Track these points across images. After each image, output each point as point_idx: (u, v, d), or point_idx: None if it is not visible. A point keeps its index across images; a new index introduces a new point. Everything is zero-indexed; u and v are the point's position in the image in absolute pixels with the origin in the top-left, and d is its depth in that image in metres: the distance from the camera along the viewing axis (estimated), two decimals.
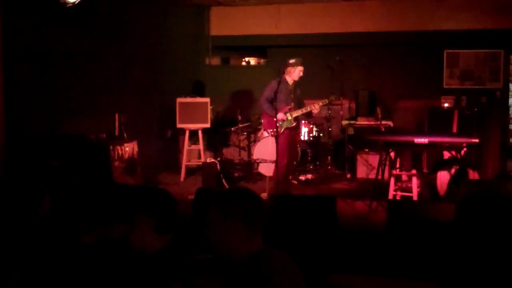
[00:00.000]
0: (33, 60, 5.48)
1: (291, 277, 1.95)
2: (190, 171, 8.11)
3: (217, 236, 1.98)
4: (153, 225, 2.44)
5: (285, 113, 6.37)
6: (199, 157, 8.06)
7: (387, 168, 6.22)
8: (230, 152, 8.73)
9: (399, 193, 6.02)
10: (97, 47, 6.52)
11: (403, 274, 3.39)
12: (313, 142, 8.22)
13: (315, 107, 6.46)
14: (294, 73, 6.39)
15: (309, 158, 8.24)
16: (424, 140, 5.50)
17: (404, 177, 6.27)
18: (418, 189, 5.91)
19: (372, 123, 8.13)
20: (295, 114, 6.43)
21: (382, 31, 8.81)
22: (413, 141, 5.56)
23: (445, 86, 8.79)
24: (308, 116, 6.82)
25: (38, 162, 5.07)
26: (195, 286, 2.31)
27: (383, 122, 7.70)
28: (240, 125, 8.52)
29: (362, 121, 8.37)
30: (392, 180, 5.94)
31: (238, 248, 1.96)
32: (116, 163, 5.86)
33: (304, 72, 6.42)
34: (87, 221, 3.12)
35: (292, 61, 6.39)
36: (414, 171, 6.14)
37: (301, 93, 6.59)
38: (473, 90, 8.61)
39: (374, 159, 7.63)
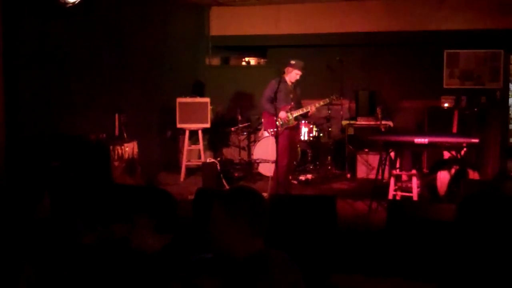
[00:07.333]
0: (33, 60, 5.48)
1: (291, 277, 1.96)
2: (190, 171, 8.10)
3: (220, 235, 1.97)
4: (153, 225, 2.44)
5: (286, 112, 6.37)
6: (199, 157, 8.06)
7: (387, 168, 6.22)
8: (230, 152, 8.73)
9: (399, 193, 6.01)
10: (97, 47, 6.52)
11: (403, 274, 3.39)
12: (313, 142, 8.23)
13: (312, 108, 6.49)
14: (291, 74, 6.40)
15: (309, 158, 8.23)
16: (424, 140, 5.49)
17: (404, 177, 6.27)
18: (418, 189, 5.90)
19: (372, 123, 8.12)
20: (295, 113, 6.44)
21: (382, 31, 8.80)
22: (413, 141, 5.55)
23: (445, 86, 8.78)
24: (305, 116, 6.76)
25: (38, 162, 5.07)
26: (195, 286, 2.32)
27: (383, 122, 7.69)
28: (240, 125, 8.52)
29: (362, 121, 8.37)
30: (392, 180, 5.94)
31: (240, 247, 1.95)
32: (116, 163, 5.85)
33: (304, 72, 6.42)
34: (87, 221, 3.12)
35: (292, 62, 6.39)
36: (414, 171, 6.14)
37: (301, 93, 6.61)
38: (473, 90, 8.60)
39: (374, 159, 7.63)
